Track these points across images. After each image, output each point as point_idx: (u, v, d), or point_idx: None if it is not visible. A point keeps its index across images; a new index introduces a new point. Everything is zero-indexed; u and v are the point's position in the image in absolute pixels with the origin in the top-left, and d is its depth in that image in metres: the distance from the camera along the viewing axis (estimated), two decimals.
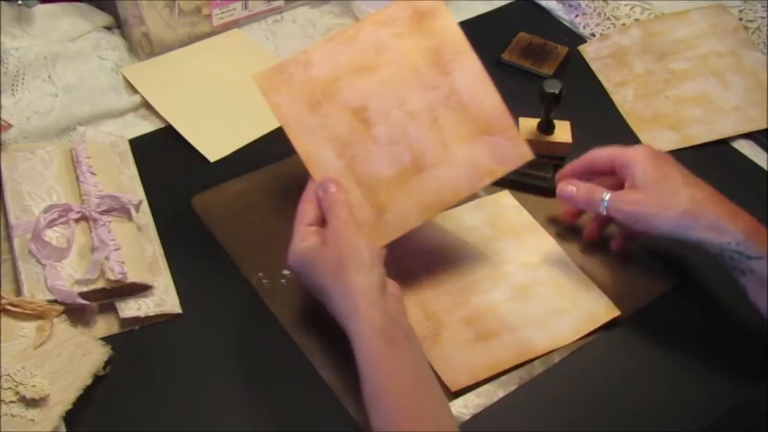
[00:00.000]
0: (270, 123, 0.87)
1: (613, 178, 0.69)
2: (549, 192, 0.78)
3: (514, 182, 0.79)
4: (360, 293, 0.59)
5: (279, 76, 0.66)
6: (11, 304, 0.62)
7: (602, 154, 0.70)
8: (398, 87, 0.67)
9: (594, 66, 0.99)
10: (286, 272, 0.73)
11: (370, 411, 0.56)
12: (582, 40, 1.03)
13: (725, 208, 0.63)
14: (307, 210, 0.65)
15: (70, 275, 0.66)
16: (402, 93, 0.67)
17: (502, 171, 0.68)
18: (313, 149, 0.66)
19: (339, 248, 0.61)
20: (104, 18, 0.93)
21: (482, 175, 0.68)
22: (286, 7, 1.03)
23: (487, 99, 0.68)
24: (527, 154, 0.68)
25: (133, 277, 0.66)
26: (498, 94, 0.68)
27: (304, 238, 0.63)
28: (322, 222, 0.65)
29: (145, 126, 0.86)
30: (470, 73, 0.68)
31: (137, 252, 0.69)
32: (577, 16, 1.05)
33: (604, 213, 0.67)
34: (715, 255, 0.64)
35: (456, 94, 0.68)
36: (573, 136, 0.85)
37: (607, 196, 0.66)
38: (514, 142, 0.67)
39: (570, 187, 0.69)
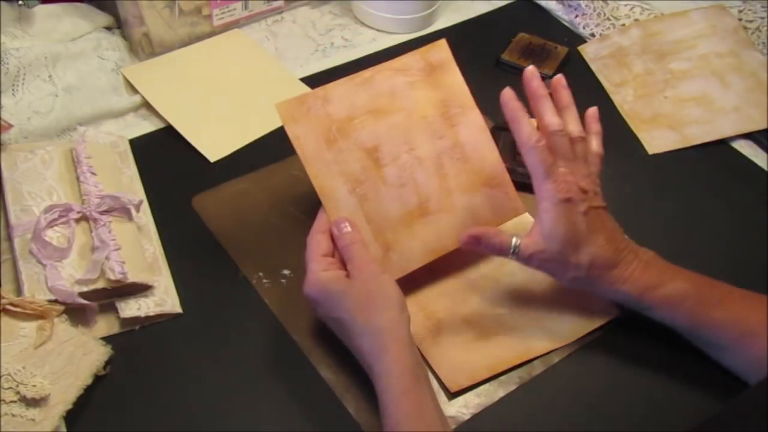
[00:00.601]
0: (270, 123, 0.87)
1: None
2: None
3: (514, 182, 0.79)
4: (390, 333, 0.60)
5: (299, 108, 0.68)
6: (12, 304, 0.62)
7: (532, 156, 0.64)
8: (408, 132, 0.70)
9: (594, 66, 0.99)
10: (286, 272, 0.73)
11: None
12: (582, 40, 1.03)
13: (620, 272, 0.65)
14: (320, 240, 0.65)
15: (71, 275, 0.66)
16: (411, 138, 0.70)
17: (497, 222, 0.71)
18: (328, 183, 0.67)
19: (367, 286, 0.62)
20: (104, 18, 0.93)
21: (480, 225, 0.70)
22: (286, 7, 1.03)
23: (487, 153, 0.71)
24: (520, 208, 0.72)
25: (133, 277, 0.66)
26: (497, 150, 0.72)
27: (325, 268, 0.63)
28: (334, 253, 0.65)
29: (146, 126, 0.86)
30: (473, 128, 0.71)
31: (137, 252, 0.69)
32: (576, 16, 1.05)
33: (514, 260, 0.66)
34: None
35: (460, 146, 0.71)
36: None
37: (516, 242, 0.65)
38: (508, 196, 0.71)
39: (478, 230, 0.66)
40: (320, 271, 0.63)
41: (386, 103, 0.70)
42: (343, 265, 0.64)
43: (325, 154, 0.67)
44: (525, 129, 0.64)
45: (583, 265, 0.64)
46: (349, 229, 0.66)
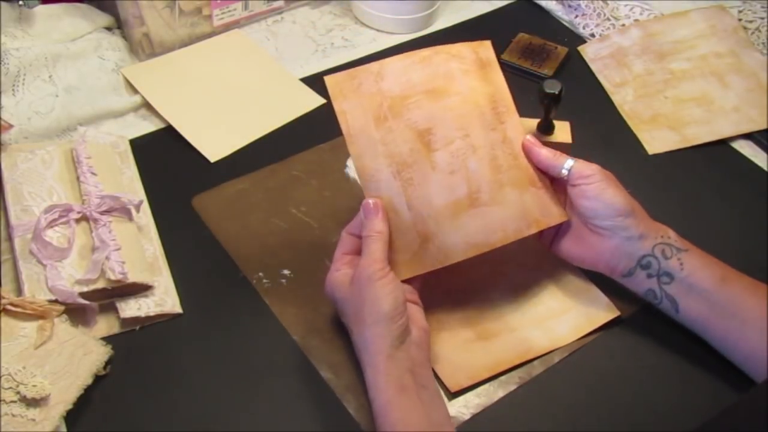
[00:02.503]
0: (270, 123, 0.87)
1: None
2: None
3: None
4: (376, 347, 0.60)
5: (350, 82, 0.65)
6: (12, 304, 0.62)
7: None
8: (464, 118, 0.67)
9: (594, 66, 0.99)
10: (286, 272, 0.73)
11: None
12: (582, 40, 1.03)
13: (657, 223, 0.68)
14: (346, 239, 0.66)
15: (71, 275, 0.66)
16: (467, 124, 0.67)
17: (545, 223, 0.68)
18: (371, 164, 0.65)
19: (361, 296, 0.61)
20: (105, 18, 0.93)
21: (530, 223, 0.67)
22: (287, 7, 1.03)
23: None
24: (563, 215, 0.68)
25: (133, 277, 0.66)
26: None
27: (337, 267, 0.64)
28: (359, 252, 0.64)
29: (146, 126, 0.86)
30: (517, 131, 0.69)
31: (138, 252, 0.69)
32: (576, 16, 1.05)
33: (564, 175, 0.66)
34: (639, 262, 0.66)
35: (509, 142, 0.68)
36: (573, 137, 0.85)
37: (571, 162, 0.66)
38: (553, 200, 0.68)
39: (536, 146, 0.68)
40: (335, 271, 0.64)
41: (444, 85, 0.67)
42: None
43: (372, 133, 0.65)
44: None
45: (633, 200, 0.66)
46: (373, 215, 0.63)
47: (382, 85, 0.66)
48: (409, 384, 0.59)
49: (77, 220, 0.69)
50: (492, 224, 0.66)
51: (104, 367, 0.63)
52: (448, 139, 0.66)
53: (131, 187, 0.77)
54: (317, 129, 0.84)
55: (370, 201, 0.64)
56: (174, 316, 0.68)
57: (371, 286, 0.61)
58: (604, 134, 0.90)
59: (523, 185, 0.67)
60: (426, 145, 0.66)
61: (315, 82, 0.92)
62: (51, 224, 0.68)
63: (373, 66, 0.66)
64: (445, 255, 0.65)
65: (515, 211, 0.67)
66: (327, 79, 0.65)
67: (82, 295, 0.65)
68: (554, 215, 0.68)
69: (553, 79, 0.80)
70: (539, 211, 0.67)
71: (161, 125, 0.86)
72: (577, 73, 0.98)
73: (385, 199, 0.65)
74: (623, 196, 0.65)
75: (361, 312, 0.61)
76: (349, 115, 0.65)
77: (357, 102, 0.65)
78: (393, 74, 0.66)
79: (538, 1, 1.08)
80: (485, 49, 0.70)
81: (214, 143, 0.84)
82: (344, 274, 0.63)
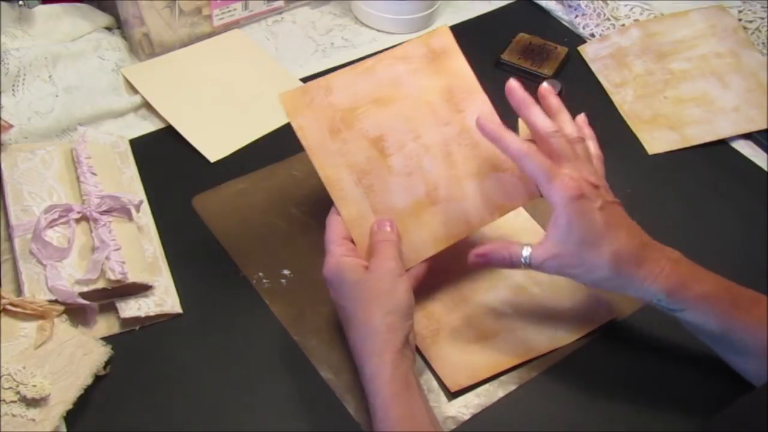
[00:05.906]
0: (270, 123, 0.87)
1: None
2: None
3: None
4: (385, 337, 0.59)
5: (302, 98, 0.67)
6: (12, 304, 0.62)
7: (529, 164, 0.61)
8: (414, 120, 0.69)
9: (593, 66, 0.99)
10: (286, 272, 0.73)
11: None
12: (581, 40, 1.03)
13: (648, 269, 0.61)
14: (341, 221, 0.66)
15: (71, 275, 0.66)
16: (417, 126, 0.69)
17: (511, 206, 0.69)
18: (333, 174, 0.67)
19: (380, 284, 0.61)
20: (105, 18, 0.93)
21: (492, 210, 0.68)
22: (286, 7, 1.03)
23: None
24: (534, 192, 0.68)
25: (133, 277, 0.66)
26: None
27: (345, 253, 0.63)
28: (351, 238, 0.65)
29: (146, 126, 0.86)
30: (480, 112, 0.68)
31: (138, 252, 0.69)
32: (576, 16, 1.05)
33: (527, 269, 0.63)
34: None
35: (467, 132, 0.69)
36: None
37: (527, 252, 0.62)
38: (521, 180, 0.68)
39: (484, 248, 0.65)
40: (341, 255, 0.63)
41: (389, 92, 0.69)
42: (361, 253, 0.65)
43: (329, 145, 0.67)
44: (513, 144, 0.62)
45: (605, 263, 0.60)
46: (389, 229, 0.65)
47: (331, 99, 0.68)
48: (413, 384, 0.59)
49: (77, 220, 0.69)
50: (454, 218, 0.68)
51: (104, 367, 0.63)
52: (400, 144, 0.68)
53: (131, 187, 0.77)
54: None
55: (385, 222, 0.65)
56: (174, 316, 0.68)
57: (393, 280, 0.61)
58: (604, 134, 0.89)
59: (483, 174, 0.68)
60: (381, 152, 0.68)
61: None
62: (51, 224, 0.68)
63: (321, 81, 0.68)
64: (417, 253, 0.67)
65: (474, 202, 0.68)
66: (280, 95, 0.67)
67: (82, 295, 0.65)
68: (521, 196, 0.69)
69: (553, 79, 0.81)
70: (502, 196, 0.68)
71: (161, 125, 0.86)
72: (577, 73, 0.98)
73: (353, 207, 0.66)
74: (597, 281, 0.61)
75: (375, 299, 0.61)
76: (307, 129, 0.67)
77: (311, 116, 0.67)
78: (339, 87, 0.68)
79: (538, 1, 1.08)
80: (439, 36, 0.71)
81: (214, 143, 0.84)
82: (356, 262, 0.63)
